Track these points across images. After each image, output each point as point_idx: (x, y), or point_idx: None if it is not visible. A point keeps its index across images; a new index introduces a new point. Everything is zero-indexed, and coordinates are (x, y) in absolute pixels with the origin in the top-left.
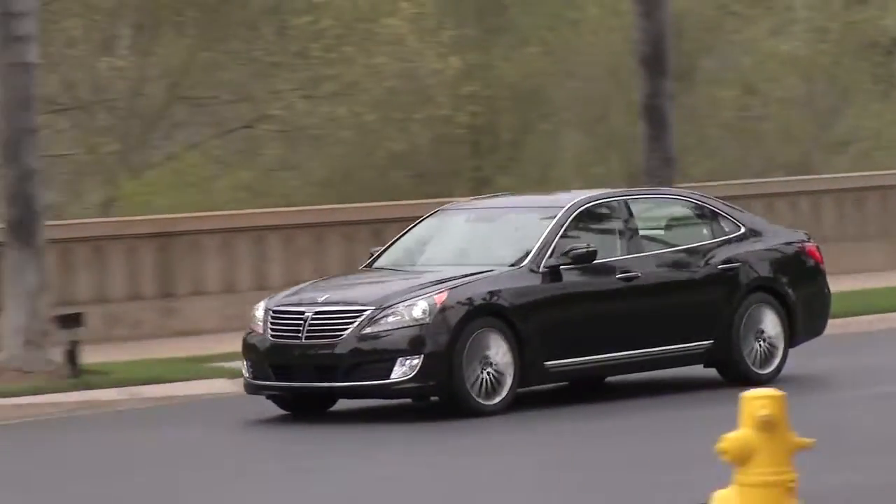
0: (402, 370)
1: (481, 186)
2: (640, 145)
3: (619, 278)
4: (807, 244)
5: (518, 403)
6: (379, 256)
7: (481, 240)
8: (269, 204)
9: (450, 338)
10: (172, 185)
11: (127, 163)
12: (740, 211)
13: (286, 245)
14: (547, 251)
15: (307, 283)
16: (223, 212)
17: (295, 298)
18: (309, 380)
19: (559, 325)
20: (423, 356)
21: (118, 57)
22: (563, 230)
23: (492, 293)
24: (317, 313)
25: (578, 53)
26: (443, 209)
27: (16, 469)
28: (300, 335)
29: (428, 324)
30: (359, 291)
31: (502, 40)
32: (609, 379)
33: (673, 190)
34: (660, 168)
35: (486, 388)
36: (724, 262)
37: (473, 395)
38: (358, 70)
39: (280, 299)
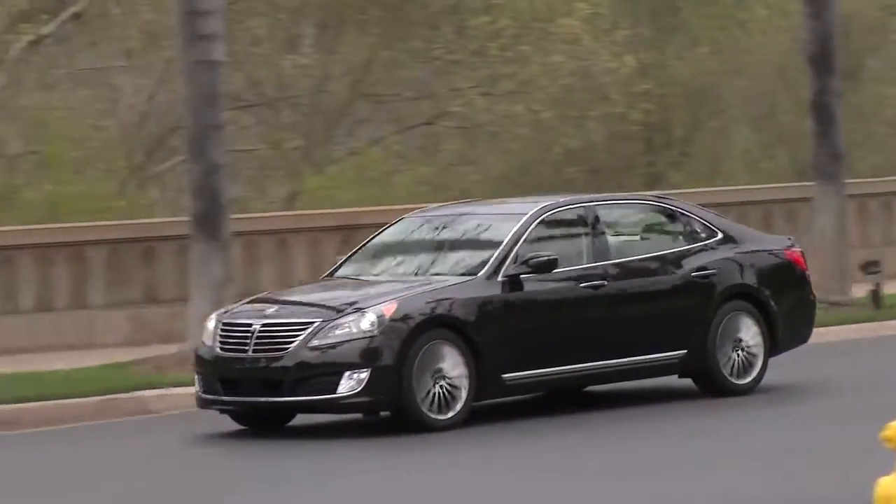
0: (350, 384)
1: (654, 182)
2: (808, 141)
3: (584, 287)
4: (789, 250)
5: (475, 417)
6: (342, 265)
7: (442, 248)
8: (449, 198)
9: (399, 350)
10: (354, 180)
11: (310, 158)
12: (719, 217)
13: None
14: (506, 260)
15: (262, 294)
16: (404, 206)
17: (245, 310)
18: (255, 394)
19: (518, 336)
20: (370, 369)
21: (302, 55)
22: (524, 238)
23: (445, 303)
24: (264, 325)
25: (747, 53)
26: (407, 216)
27: None
28: (247, 348)
29: (376, 336)
30: (310, 302)
31: (675, 40)
32: (589, 389)
33: (645, 196)
34: (827, 164)
35: (439, 402)
36: (698, 270)
37: (425, 409)
38: (534, 68)
39: (231, 311)
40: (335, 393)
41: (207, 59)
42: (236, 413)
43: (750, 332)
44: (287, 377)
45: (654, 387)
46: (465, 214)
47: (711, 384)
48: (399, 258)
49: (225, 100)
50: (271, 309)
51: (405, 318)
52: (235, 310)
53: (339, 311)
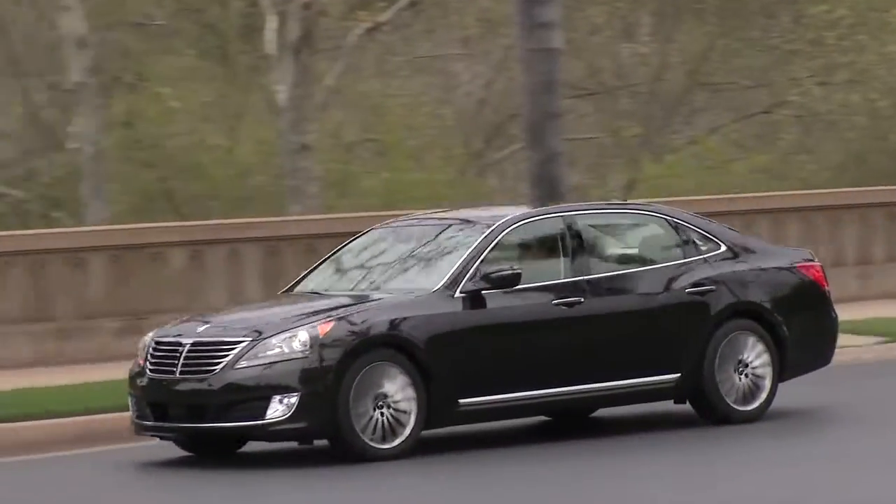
0: (279, 409)
1: None
2: None
3: (558, 304)
4: (805, 265)
5: (427, 446)
6: (303, 279)
7: (405, 261)
8: (786, 187)
9: (333, 373)
10: (692, 168)
11: (649, 146)
12: (727, 229)
13: (804, 227)
14: (465, 274)
15: (200, 313)
16: (742, 194)
17: (179, 328)
18: (183, 420)
19: (477, 357)
20: (300, 393)
21: (640, 43)
22: (488, 251)
23: (391, 322)
24: (193, 345)
25: None
26: (379, 225)
27: None
28: (175, 370)
29: (307, 357)
30: (245, 320)
31: None
32: (597, 414)
33: (638, 205)
34: None
35: (382, 429)
36: (694, 285)
37: (365, 437)
38: (871, 58)
39: (165, 329)
40: (263, 419)
41: (545, 47)
42: (178, 440)
43: (755, 354)
44: (213, 401)
45: (657, 414)
46: (431, 225)
47: (711, 411)
48: (360, 272)
49: (563, 88)
50: (204, 327)
51: (342, 337)
52: (170, 327)
53: (270, 331)
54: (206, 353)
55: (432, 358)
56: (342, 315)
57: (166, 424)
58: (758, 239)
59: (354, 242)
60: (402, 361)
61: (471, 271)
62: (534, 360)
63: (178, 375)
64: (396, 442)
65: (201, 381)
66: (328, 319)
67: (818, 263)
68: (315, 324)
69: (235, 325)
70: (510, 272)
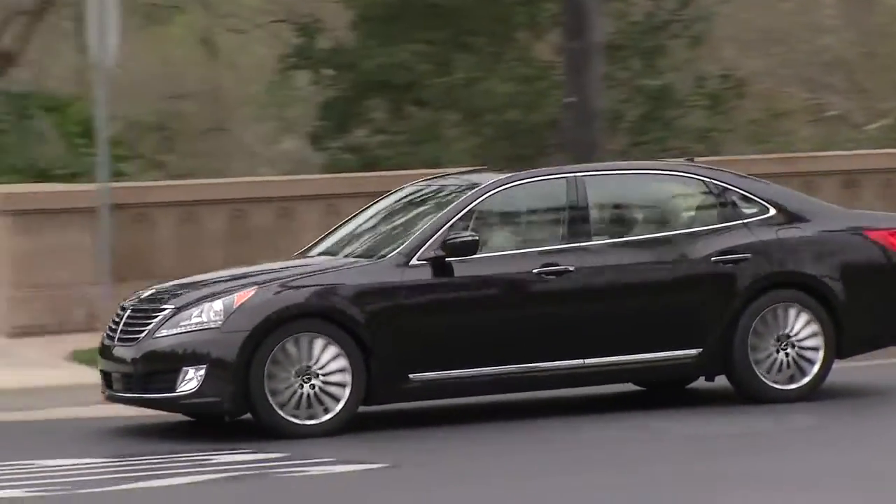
0: (189, 382)
1: None
2: None
3: (541, 272)
4: (878, 231)
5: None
6: (324, 239)
7: (393, 226)
8: None
9: (244, 343)
10: None
11: None
12: (786, 192)
13: None
14: (428, 241)
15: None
16: None
17: (144, 293)
18: (119, 390)
19: (434, 330)
20: (207, 365)
21: None
22: (458, 216)
23: (321, 290)
24: (132, 311)
25: None
26: (397, 189)
27: None
28: (115, 336)
29: (219, 327)
30: (192, 285)
31: None
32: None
33: (665, 164)
34: None
35: (308, 405)
36: (723, 253)
37: (284, 413)
38: None
39: (139, 293)
40: (174, 391)
41: None
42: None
43: (803, 328)
44: (135, 372)
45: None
46: (442, 187)
47: (745, 389)
48: (361, 235)
49: None
50: (149, 292)
51: (260, 306)
52: (142, 291)
53: (193, 297)
54: (138, 320)
55: (373, 329)
56: (268, 283)
57: (112, 393)
58: (822, 203)
59: (376, 205)
60: (333, 332)
61: (433, 238)
62: (499, 334)
63: (115, 342)
64: (325, 418)
65: (129, 349)
66: (250, 287)
67: (892, 229)
68: (234, 292)
69: (177, 290)
70: (467, 239)
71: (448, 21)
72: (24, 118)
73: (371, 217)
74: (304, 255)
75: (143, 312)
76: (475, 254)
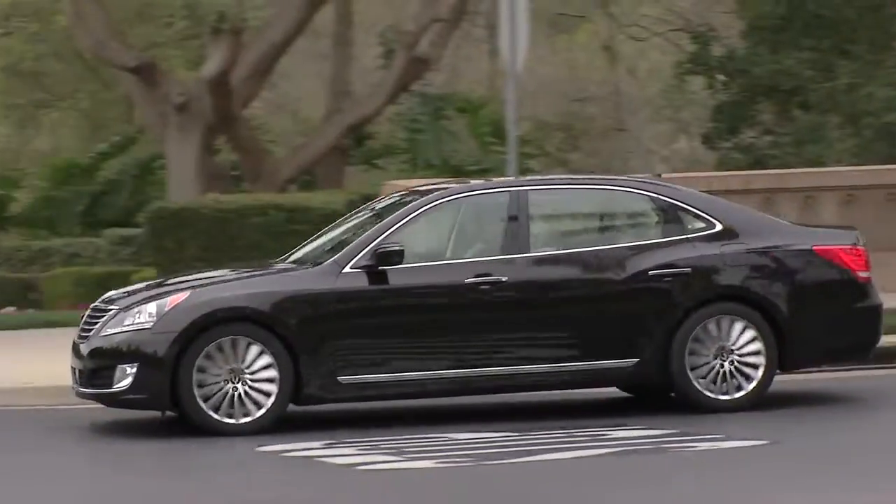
0: (123, 378)
1: None
2: None
3: (471, 283)
4: (827, 247)
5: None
6: (305, 245)
7: (349, 235)
8: None
9: (172, 344)
10: None
11: None
12: (735, 208)
13: None
14: (362, 250)
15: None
16: None
17: (120, 291)
18: (76, 385)
19: (359, 335)
20: (137, 364)
21: None
22: (396, 227)
23: (250, 296)
24: (92, 309)
25: None
26: (377, 199)
27: None
28: (78, 333)
29: (149, 328)
30: (153, 286)
31: None
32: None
33: (615, 180)
34: None
35: (234, 404)
36: (661, 267)
37: (210, 411)
38: None
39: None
40: (111, 387)
41: None
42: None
43: (743, 341)
44: (85, 367)
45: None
46: (402, 200)
47: (683, 398)
48: (327, 243)
49: None
50: (116, 291)
51: (189, 309)
52: (114, 292)
53: (136, 298)
54: (94, 318)
55: (300, 334)
56: (202, 286)
57: (75, 388)
58: (774, 219)
59: (361, 211)
60: (261, 336)
61: (367, 248)
62: (427, 341)
63: (77, 338)
64: (252, 418)
65: (83, 347)
66: (184, 290)
67: (853, 246)
68: (168, 295)
69: (133, 291)
70: (393, 248)
71: (831, 30)
72: (438, 118)
73: (348, 226)
74: (277, 262)
75: (99, 312)
76: (401, 263)
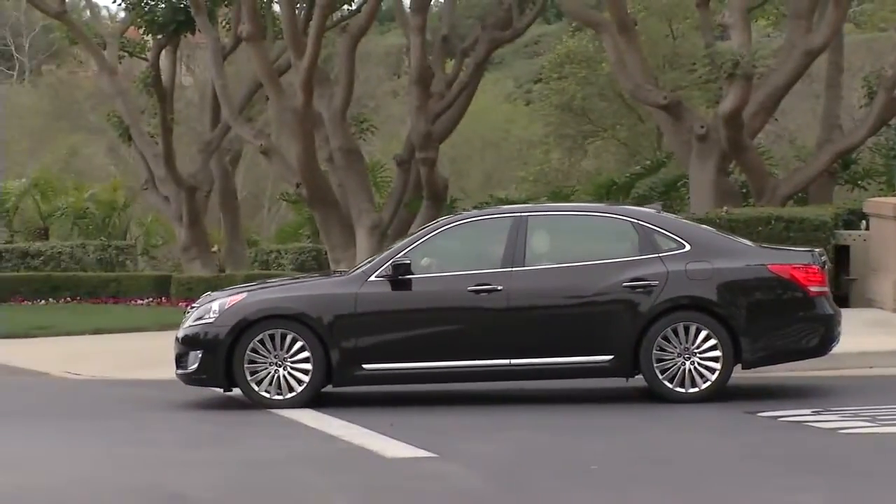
0: (195, 362)
1: None
2: None
3: (472, 290)
4: (781, 265)
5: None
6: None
7: (399, 249)
8: None
9: (226, 335)
10: None
11: None
12: (705, 231)
13: None
14: (386, 262)
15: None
16: None
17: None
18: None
19: (379, 331)
20: (202, 350)
21: None
22: (417, 244)
23: (290, 298)
24: (190, 305)
25: None
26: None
27: None
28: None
29: (212, 322)
30: (237, 288)
31: None
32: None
33: (597, 208)
34: None
35: (279, 384)
36: (634, 280)
37: (260, 389)
38: None
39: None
40: (187, 368)
41: None
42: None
43: (702, 343)
44: (175, 352)
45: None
46: (450, 221)
47: (652, 390)
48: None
49: None
50: (209, 293)
51: (243, 308)
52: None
53: (212, 297)
54: (189, 312)
55: (330, 329)
56: (257, 290)
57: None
58: (738, 240)
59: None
60: (299, 330)
61: (390, 261)
62: (436, 336)
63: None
64: (290, 395)
65: (176, 335)
66: (243, 292)
67: (806, 265)
68: (229, 295)
69: (226, 289)
70: (400, 262)
71: None
72: None
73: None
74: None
75: (192, 307)
76: (410, 274)
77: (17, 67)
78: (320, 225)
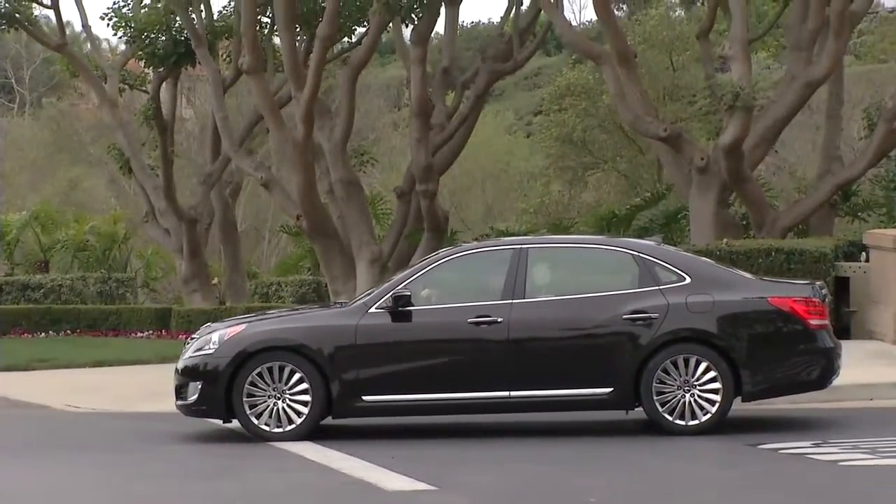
0: (194, 393)
1: None
2: None
3: (472, 322)
4: (781, 298)
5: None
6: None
7: (399, 280)
8: None
9: (226, 367)
10: None
11: None
12: (705, 264)
13: None
14: (385, 294)
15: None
16: None
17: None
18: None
19: (378, 362)
20: (202, 381)
21: None
22: (417, 276)
23: (289, 329)
24: (189, 337)
25: None
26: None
27: None
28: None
29: (211, 353)
30: (237, 319)
31: None
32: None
33: (605, 241)
34: None
35: (278, 416)
36: (634, 312)
37: (258, 422)
38: None
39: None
40: (187, 400)
41: None
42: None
43: (702, 376)
44: (175, 383)
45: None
46: (451, 252)
47: (652, 422)
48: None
49: None
50: (209, 324)
51: (242, 340)
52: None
53: (212, 328)
54: (188, 343)
55: (330, 361)
56: (256, 321)
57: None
58: (739, 273)
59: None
60: (299, 362)
61: (390, 293)
62: (435, 369)
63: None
64: (290, 427)
65: (176, 366)
66: (241, 323)
67: (807, 298)
68: (229, 326)
69: (225, 320)
70: (400, 294)
71: None
72: None
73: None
74: (346, 302)
75: (192, 338)
76: (411, 305)
77: (17, 100)
78: (321, 257)
